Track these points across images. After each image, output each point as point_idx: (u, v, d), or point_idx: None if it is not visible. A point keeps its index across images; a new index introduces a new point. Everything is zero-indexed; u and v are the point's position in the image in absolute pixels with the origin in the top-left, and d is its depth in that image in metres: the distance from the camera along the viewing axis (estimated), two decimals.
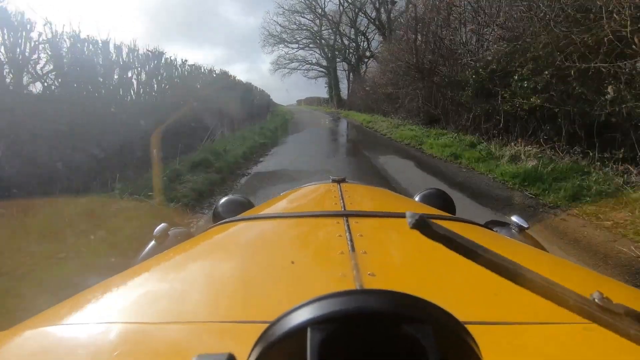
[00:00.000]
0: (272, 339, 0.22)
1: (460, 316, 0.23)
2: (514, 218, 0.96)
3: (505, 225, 0.97)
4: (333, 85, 32.34)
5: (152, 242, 0.91)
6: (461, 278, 0.48)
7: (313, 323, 0.21)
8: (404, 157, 6.51)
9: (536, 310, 0.38)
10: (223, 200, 1.26)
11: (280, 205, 0.94)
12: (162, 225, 0.92)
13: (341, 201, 0.78)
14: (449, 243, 0.25)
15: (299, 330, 0.21)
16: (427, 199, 1.21)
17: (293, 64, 34.06)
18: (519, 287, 0.25)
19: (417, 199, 1.23)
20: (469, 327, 0.22)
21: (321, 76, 35.98)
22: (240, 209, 1.08)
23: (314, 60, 34.31)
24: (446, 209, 1.06)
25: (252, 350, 0.23)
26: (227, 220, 0.75)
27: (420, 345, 0.20)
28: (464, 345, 0.22)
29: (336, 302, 0.21)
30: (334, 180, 0.97)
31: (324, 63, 33.62)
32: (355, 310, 0.21)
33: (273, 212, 0.86)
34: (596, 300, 0.24)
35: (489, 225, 0.95)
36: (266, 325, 0.23)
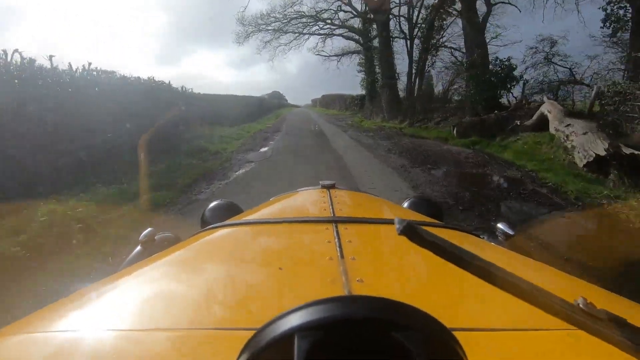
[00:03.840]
0: (258, 346, 0.21)
1: (448, 323, 0.23)
2: (500, 225, 0.98)
3: (491, 232, 0.98)
4: (382, 64, 14.31)
5: (138, 247, 0.89)
6: (448, 284, 0.48)
7: (300, 330, 0.21)
8: None
9: (522, 317, 0.38)
10: (211, 205, 1.24)
11: (269, 210, 0.93)
12: (148, 230, 0.91)
13: (330, 207, 0.78)
14: (437, 250, 0.25)
15: (286, 337, 0.21)
16: (415, 206, 1.22)
17: (290, 27, 16.57)
18: (505, 294, 0.25)
19: (405, 205, 1.24)
20: (456, 334, 0.23)
21: (351, 52, 18.21)
22: (228, 213, 1.06)
23: (335, 18, 16.56)
24: (434, 215, 1.07)
25: (239, 358, 0.22)
26: (214, 225, 0.74)
27: (408, 352, 0.20)
28: (451, 351, 0.22)
29: (324, 308, 0.21)
30: (323, 186, 0.97)
31: (356, 22, 16.31)
32: (343, 317, 0.21)
33: (261, 217, 0.85)
34: (580, 305, 0.25)
35: (475, 232, 0.97)
36: (253, 332, 0.23)
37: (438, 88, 14.17)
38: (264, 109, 23.63)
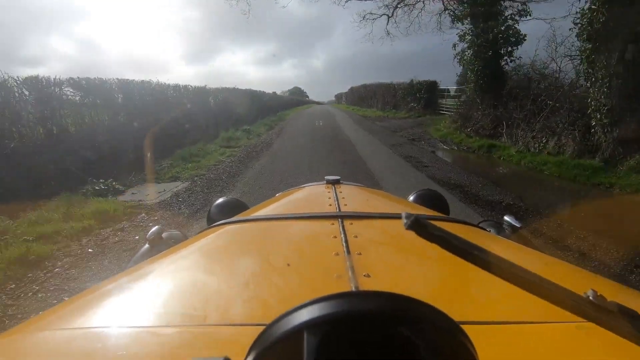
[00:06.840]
0: (268, 341, 0.22)
1: (456, 316, 0.23)
2: (507, 218, 0.97)
3: (498, 225, 0.97)
4: None
5: (146, 245, 0.90)
6: (456, 278, 0.48)
7: (309, 325, 0.21)
8: None
9: (531, 310, 0.38)
10: (217, 202, 1.24)
11: (275, 206, 0.93)
12: (156, 228, 0.91)
13: (336, 202, 0.77)
14: (444, 243, 0.25)
15: (295, 333, 0.21)
16: (420, 199, 1.21)
17: None
18: (513, 287, 0.25)
19: (411, 199, 1.24)
20: (465, 327, 0.22)
21: None
22: (234, 210, 1.07)
23: None
24: (440, 209, 1.07)
25: (248, 353, 0.22)
26: (221, 222, 0.74)
27: (416, 346, 0.20)
28: (460, 345, 0.22)
29: (332, 304, 0.21)
30: (328, 182, 0.97)
31: None
32: (351, 313, 0.21)
33: (267, 213, 0.85)
34: (590, 298, 0.24)
35: (482, 225, 0.96)
36: (262, 328, 0.23)
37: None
38: (259, 111, 14.63)
